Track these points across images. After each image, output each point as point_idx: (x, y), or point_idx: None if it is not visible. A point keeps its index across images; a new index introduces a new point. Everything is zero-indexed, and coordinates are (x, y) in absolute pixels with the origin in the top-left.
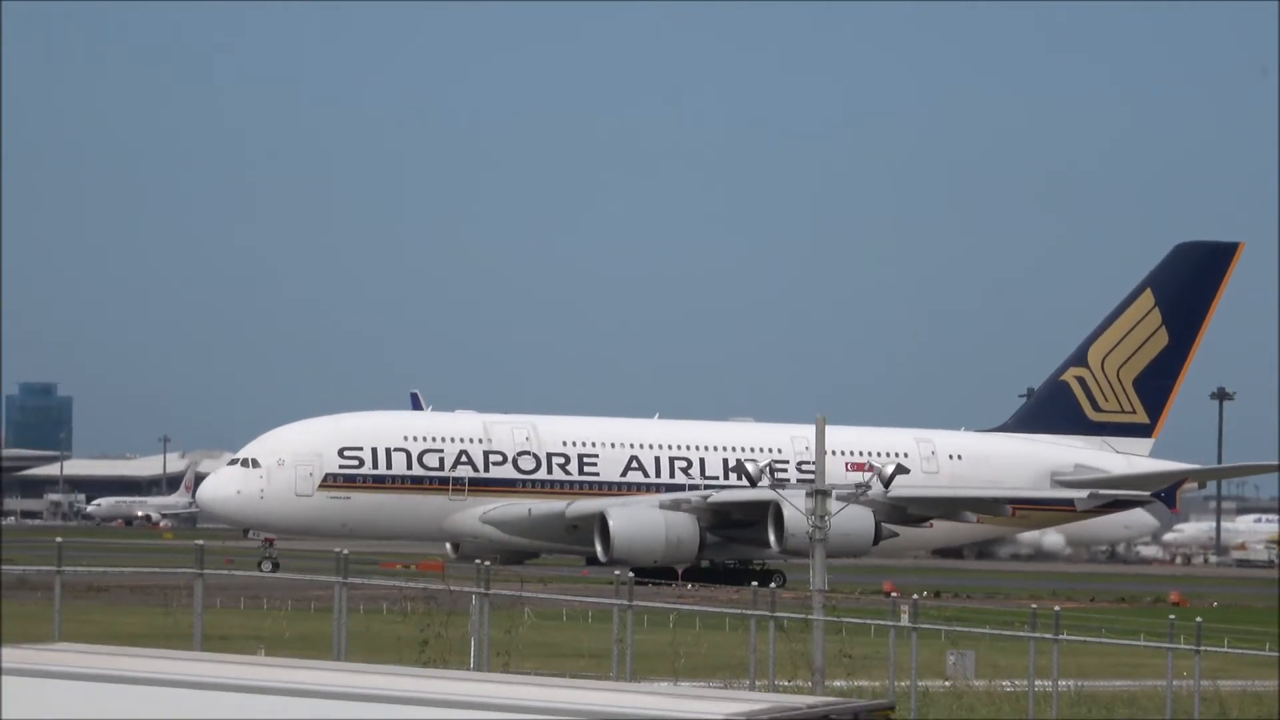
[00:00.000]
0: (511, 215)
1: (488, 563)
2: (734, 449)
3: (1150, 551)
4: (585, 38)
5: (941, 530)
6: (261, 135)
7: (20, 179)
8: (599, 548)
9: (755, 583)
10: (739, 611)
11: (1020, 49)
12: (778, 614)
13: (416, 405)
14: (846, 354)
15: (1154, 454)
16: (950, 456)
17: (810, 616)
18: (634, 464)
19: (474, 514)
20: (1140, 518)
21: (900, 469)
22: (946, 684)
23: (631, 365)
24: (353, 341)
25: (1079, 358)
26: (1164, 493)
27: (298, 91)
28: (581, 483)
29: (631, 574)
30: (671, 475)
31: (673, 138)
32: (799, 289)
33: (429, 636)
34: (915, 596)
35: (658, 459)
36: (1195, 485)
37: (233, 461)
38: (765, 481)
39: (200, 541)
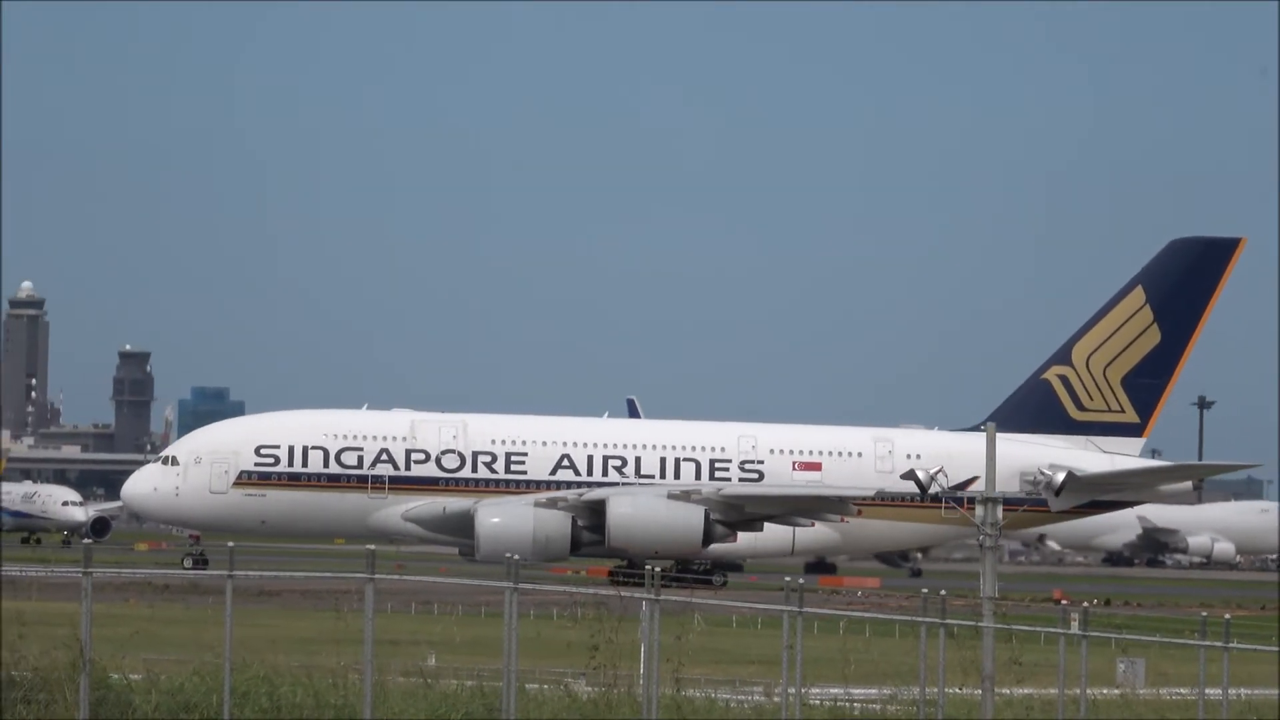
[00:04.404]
0: (524, 217)
1: (659, 568)
2: (673, 447)
3: None
4: (588, 38)
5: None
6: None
7: (207, 190)
8: (475, 544)
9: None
10: (909, 618)
11: (1019, 48)
12: (948, 621)
13: (633, 412)
14: (831, 353)
15: (1148, 454)
16: (908, 456)
17: (980, 624)
18: (565, 462)
19: (396, 512)
20: None
21: (1071, 477)
22: (1117, 692)
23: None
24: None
25: (1063, 355)
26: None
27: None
28: (507, 481)
29: (800, 580)
30: (604, 474)
31: (656, 140)
32: (790, 289)
33: (599, 642)
34: (1085, 604)
35: (590, 457)
36: (1191, 484)
37: (155, 459)
38: (935, 488)
39: (371, 546)
